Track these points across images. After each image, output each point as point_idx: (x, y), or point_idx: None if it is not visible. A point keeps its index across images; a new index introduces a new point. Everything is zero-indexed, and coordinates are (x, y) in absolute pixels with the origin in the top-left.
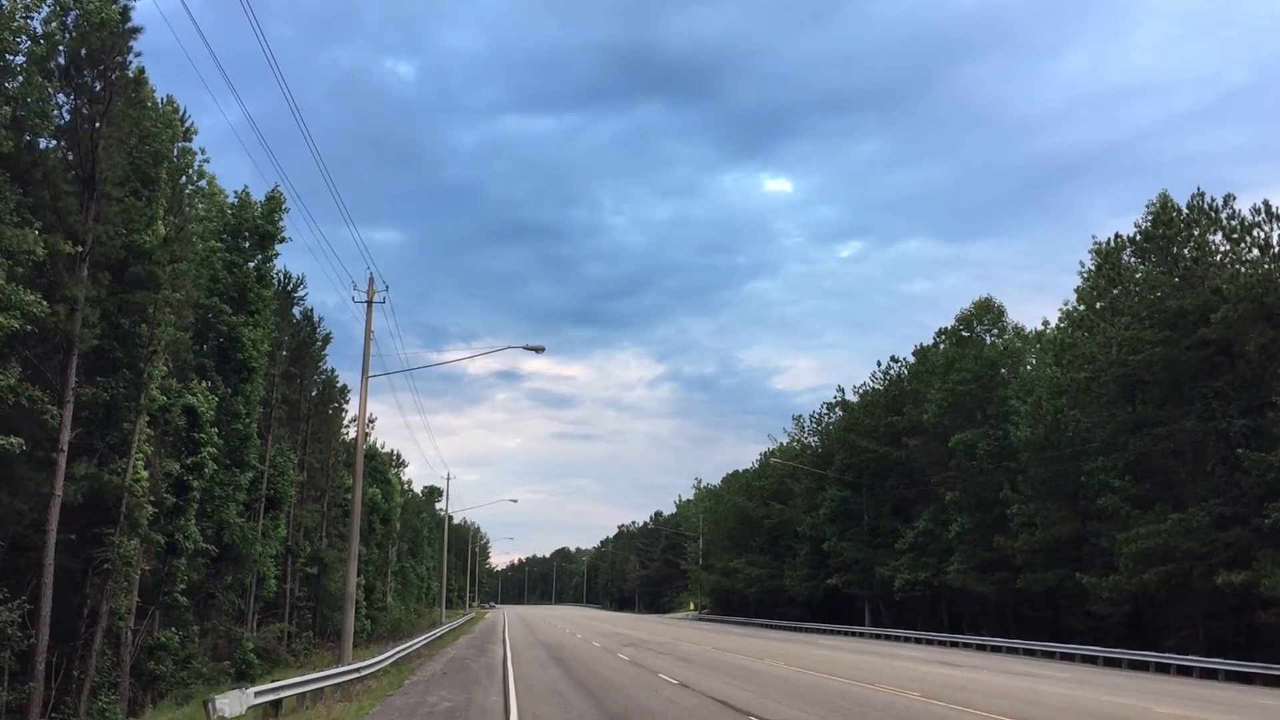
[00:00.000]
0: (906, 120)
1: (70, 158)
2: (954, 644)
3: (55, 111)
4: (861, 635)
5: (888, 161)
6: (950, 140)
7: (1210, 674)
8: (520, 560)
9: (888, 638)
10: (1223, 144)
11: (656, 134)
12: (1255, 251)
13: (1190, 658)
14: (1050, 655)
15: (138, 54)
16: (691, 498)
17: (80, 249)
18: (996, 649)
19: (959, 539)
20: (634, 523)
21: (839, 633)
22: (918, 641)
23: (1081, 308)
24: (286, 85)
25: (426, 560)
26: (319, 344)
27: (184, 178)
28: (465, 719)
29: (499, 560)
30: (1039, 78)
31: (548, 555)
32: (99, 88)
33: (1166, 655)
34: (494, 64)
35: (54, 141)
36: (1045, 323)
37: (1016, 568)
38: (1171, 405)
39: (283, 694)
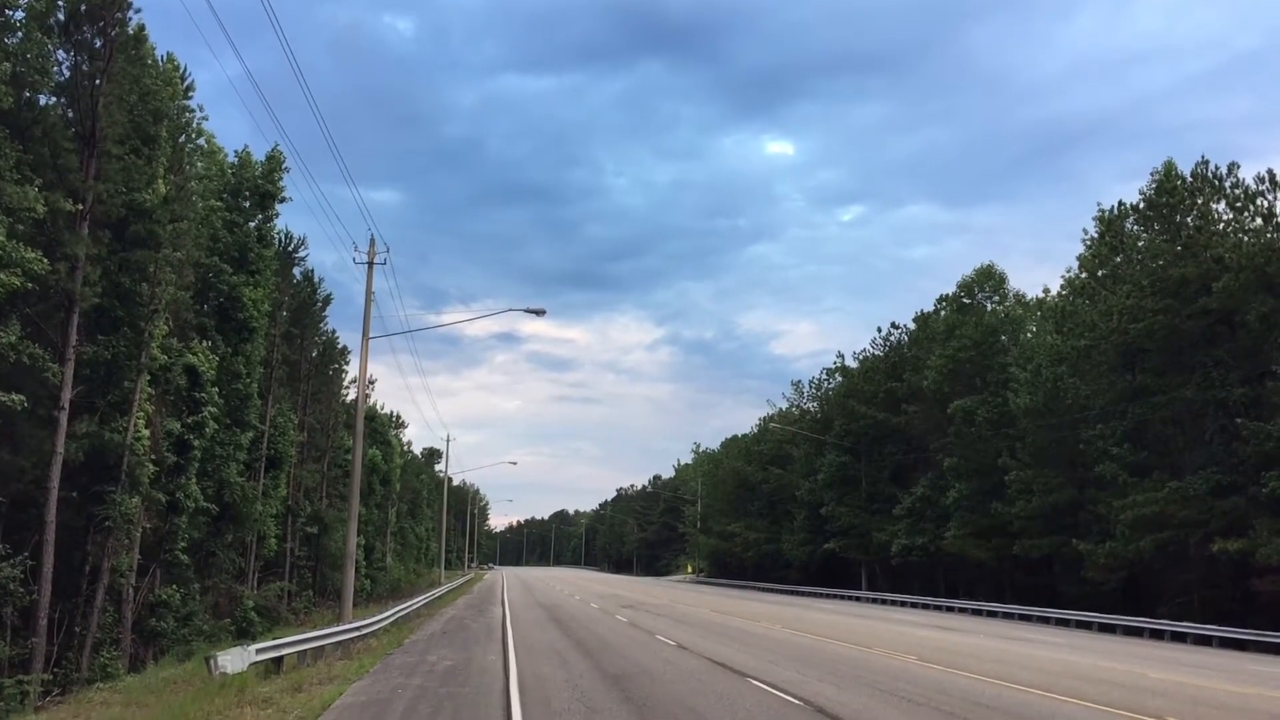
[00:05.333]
0: (911, 83)
1: (70, 115)
2: (950, 609)
3: (55, 68)
4: (858, 599)
5: (891, 125)
6: (955, 104)
7: (1204, 641)
8: (519, 522)
9: (884, 602)
10: (1230, 110)
11: (658, 94)
12: (1258, 220)
13: (1185, 624)
14: (1045, 621)
15: (137, 10)
16: (690, 461)
17: (80, 207)
18: (992, 614)
19: (956, 505)
20: (632, 486)
21: (836, 597)
22: (914, 606)
23: (1083, 275)
24: (286, 41)
25: (426, 521)
26: (319, 305)
27: (184, 136)
28: (465, 678)
29: (498, 522)
30: (1046, 41)
31: (546, 517)
32: (99, 44)
33: (1161, 622)
34: (494, 20)
35: (54, 98)
36: (1046, 290)
37: (1013, 534)
38: (1171, 374)
39: (284, 652)
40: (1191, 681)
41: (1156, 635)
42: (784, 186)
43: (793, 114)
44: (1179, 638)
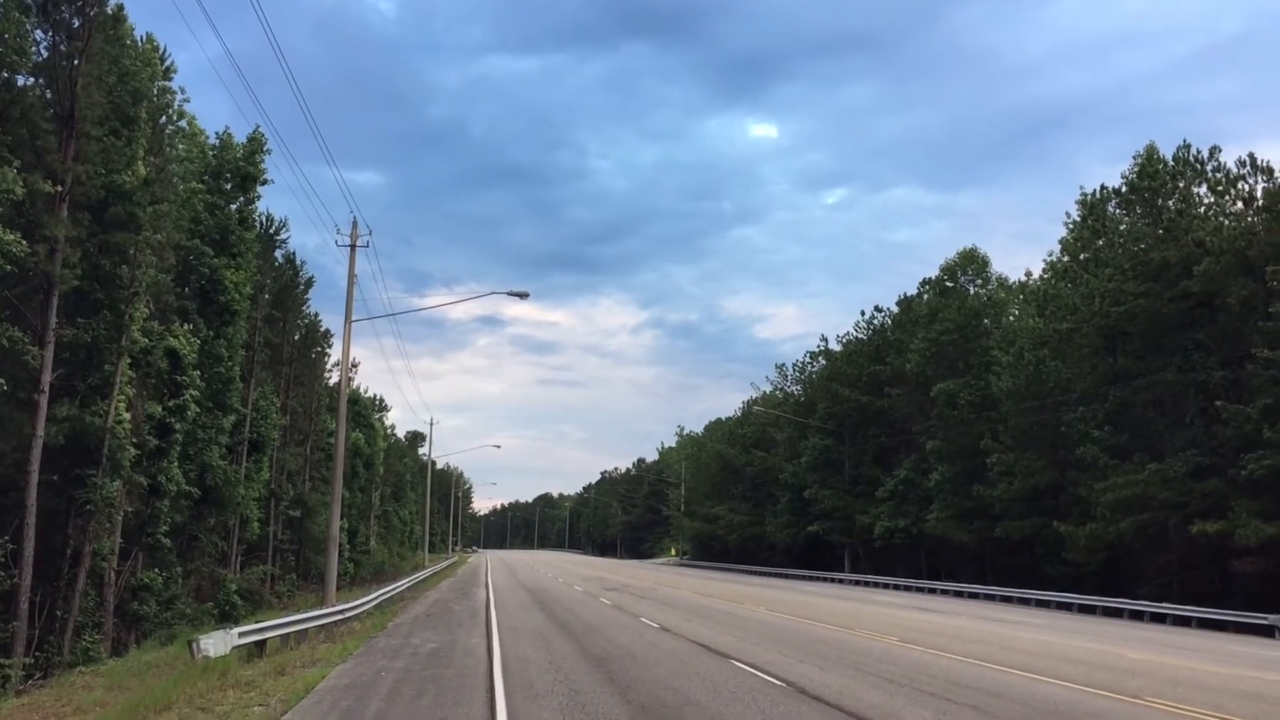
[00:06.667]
0: (896, 65)
1: (49, 96)
2: (932, 591)
3: (33, 48)
4: (841, 582)
5: (875, 107)
6: (940, 86)
7: (1183, 621)
8: (503, 505)
9: (867, 584)
10: (1214, 93)
11: (643, 76)
12: (1239, 204)
13: (1164, 605)
14: (1026, 602)
15: None
16: (674, 445)
17: (59, 188)
18: (974, 596)
19: (939, 488)
20: (617, 469)
21: (819, 579)
22: (897, 588)
23: (1065, 259)
24: (267, 21)
25: (410, 504)
26: (301, 287)
27: (164, 117)
28: (449, 660)
29: (482, 505)
30: (1030, 22)
31: (530, 500)
32: (77, 24)
33: (1141, 603)
34: (478, 0)
35: (32, 79)
36: (1028, 273)
37: (995, 516)
38: (1152, 357)
39: (266, 635)
40: (1171, 662)
41: (1136, 616)
42: (768, 169)
43: (777, 96)
44: (1159, 619)
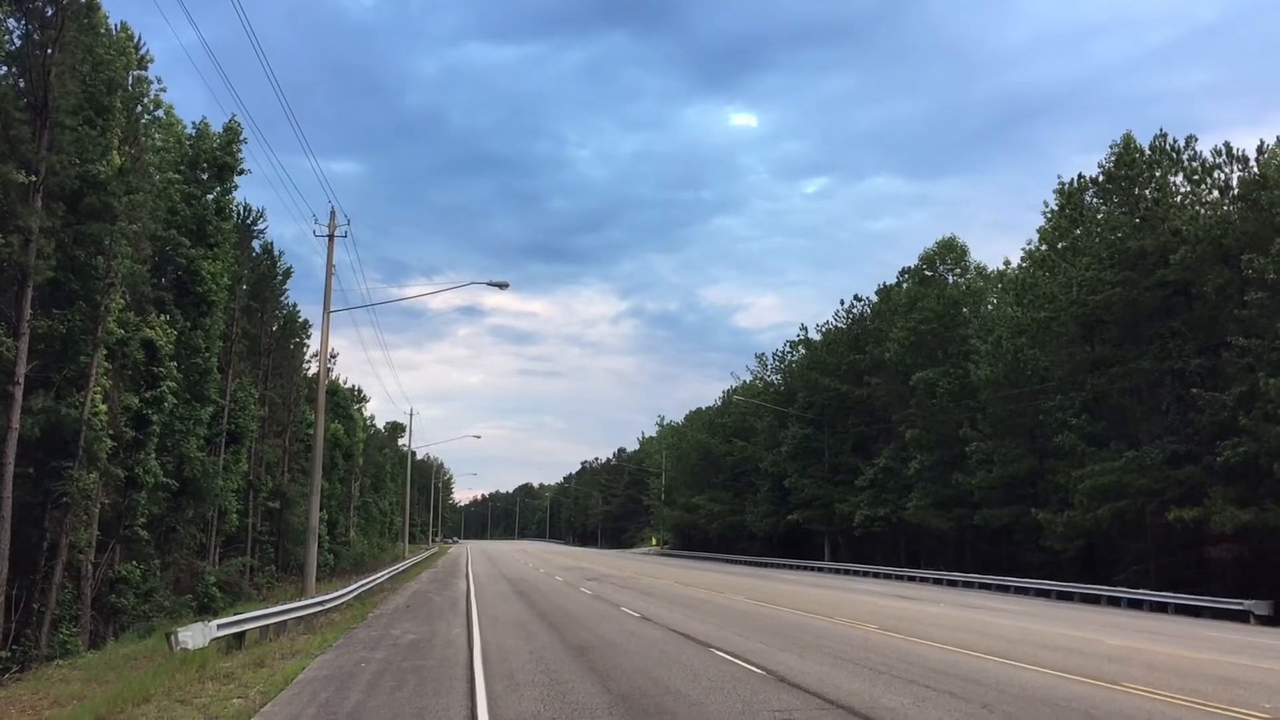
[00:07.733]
0: (874, 54)
1: (22, 85)
2: (912, 579)
3: (5, 37)
4: (821, 570)
5: (855, 96)
6: (919, 75)
7: (1160, 608)
8: (484, 496)
9: (847, 573)
10: (1191, 82)
11: (621, 65)
12: (1215, 193)
13: (1141, 592)
14: (1005, 590)
15: None
16: (654, 434)
17: (34, 179)
18: (953, 583)
19: (918, 476)
20: (597, 459)
21: (799, 568)
22: (876, 576)
23: (1043, 248)
24: (242, 9)
25: (389, 495)
26: (279, 278)
27: (139, 107)
28: (429, 651)
29: (462, 496)
30: (1009, 10)
31: (511, 491)
32: (50, 13)
33: (1118, 590)
34: None
35: (5, 68)
36: (1007, 262)
37: (974, 504)
38: (1129, 345)
39: (245, 627)
40: (1147, 647)
41: (1114, 602)
42: (748, 158)
43: (757, 85)
44: (1135, 605)
